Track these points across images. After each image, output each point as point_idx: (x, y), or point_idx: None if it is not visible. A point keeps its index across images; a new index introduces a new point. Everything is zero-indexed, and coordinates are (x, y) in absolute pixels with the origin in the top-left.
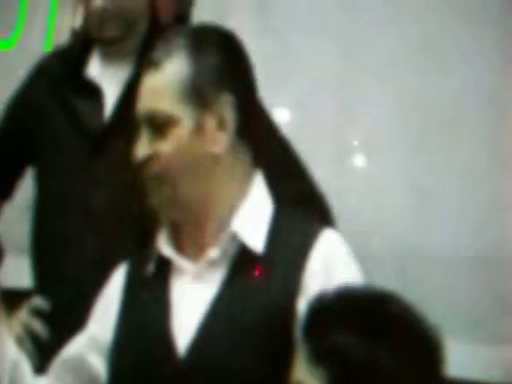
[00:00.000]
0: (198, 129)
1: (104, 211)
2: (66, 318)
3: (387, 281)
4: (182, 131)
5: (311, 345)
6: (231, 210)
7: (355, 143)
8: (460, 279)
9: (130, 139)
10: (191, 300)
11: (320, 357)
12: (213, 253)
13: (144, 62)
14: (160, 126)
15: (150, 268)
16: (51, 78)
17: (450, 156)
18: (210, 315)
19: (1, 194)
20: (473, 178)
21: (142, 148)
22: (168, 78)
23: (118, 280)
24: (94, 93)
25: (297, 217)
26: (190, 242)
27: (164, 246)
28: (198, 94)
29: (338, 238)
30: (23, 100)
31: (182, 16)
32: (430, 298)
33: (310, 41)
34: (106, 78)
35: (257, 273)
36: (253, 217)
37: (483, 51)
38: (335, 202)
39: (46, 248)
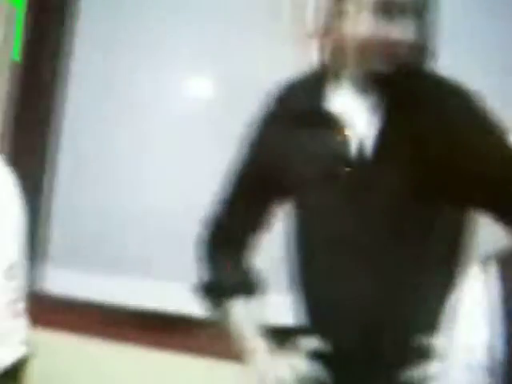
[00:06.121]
0: None
1: (375, 250)
2: (348, 363)
3: None
4: None
5: None
6: None
7: None
8: None
9: (400, 175)
10: None
11: None
12: None
13: None
14: None
15: None
16: (296, 112)
17: None
18: None
19: (256, 228)
20: None
21: None
22: None
23: None
24: (337, 125)
25: None
26: None
27: None
28: None
29: None
30: (267, 136)
31: None
32: None
33: None
34: (351, 109)
35: None
36: None
37: None
38: None
39: (317, 287)
